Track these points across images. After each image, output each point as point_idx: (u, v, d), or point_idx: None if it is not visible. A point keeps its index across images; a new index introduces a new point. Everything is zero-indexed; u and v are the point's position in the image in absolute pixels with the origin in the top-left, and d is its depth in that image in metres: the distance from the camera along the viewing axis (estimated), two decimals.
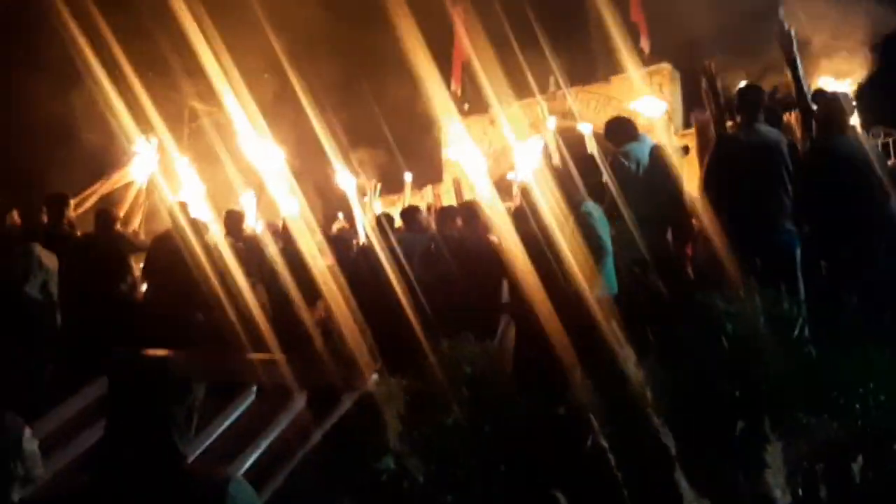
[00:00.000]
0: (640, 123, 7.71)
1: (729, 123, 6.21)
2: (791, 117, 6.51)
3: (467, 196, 10.24)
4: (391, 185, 13.07)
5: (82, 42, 10.08)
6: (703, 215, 5.87)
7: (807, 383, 4.10)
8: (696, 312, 4.75)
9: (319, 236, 7.70)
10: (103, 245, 7.75)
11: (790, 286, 4.99)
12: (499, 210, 6.67)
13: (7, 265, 6.89)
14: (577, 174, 6.00)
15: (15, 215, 7.70)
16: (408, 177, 12.08)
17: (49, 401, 6.02)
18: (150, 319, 6.98)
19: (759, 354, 4.34)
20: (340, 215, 10.60)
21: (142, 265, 7.79)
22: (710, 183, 5.84)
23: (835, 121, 5.76)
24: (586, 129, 9.18)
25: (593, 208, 5.68)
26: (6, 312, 6.68)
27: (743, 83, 7.02)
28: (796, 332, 4.65)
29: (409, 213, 8.04)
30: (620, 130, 6.76)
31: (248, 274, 6.98)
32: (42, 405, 6.06)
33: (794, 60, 6.09)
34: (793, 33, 6.83)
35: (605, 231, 5.61)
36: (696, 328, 4.65)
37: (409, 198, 12.09)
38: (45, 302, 6.90)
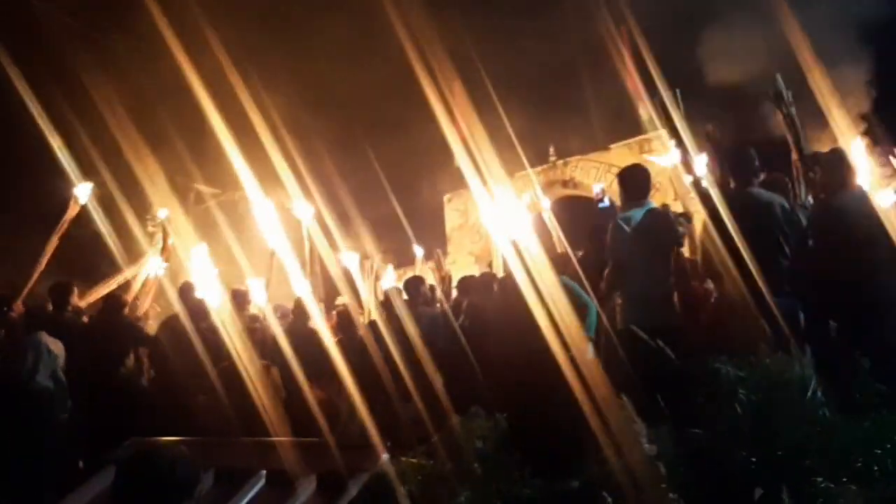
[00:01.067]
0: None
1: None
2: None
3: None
4: (402, 259, 13.13)
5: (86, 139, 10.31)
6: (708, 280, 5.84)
7: (824, 449, 4.04)
8: (708, 379, 4.70)
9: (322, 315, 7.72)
10: (107, 331, 7.81)
11: (797, 349, 4.94)
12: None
13: (15, 357, 6.93)
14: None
15: (19, 304, 7.75)
16: (419, 251, 12.14)
17: (58, 490, 6.00)
18: (152, 404, 6.97)
19: (773, 420, 4.29)
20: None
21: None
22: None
23: (836, 177, 5.76)
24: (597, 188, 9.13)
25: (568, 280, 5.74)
26: (16, 404, 6.71)
27: (733, 146, 7.06)
28: (809, 395, 4.59)
29: (413, 284, 8.04)
30: (634, 183, 6.29)
31: (262, 355, 6.99)
32: (51, 496, 6.04)
33: (793, 122, 6.15)
34: (787, 96, 6.93)
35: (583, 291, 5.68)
36: (708, 395, 4.60)
37: (418, 271, 12.13)
38: (56, 390, 6.94)
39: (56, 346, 7.09)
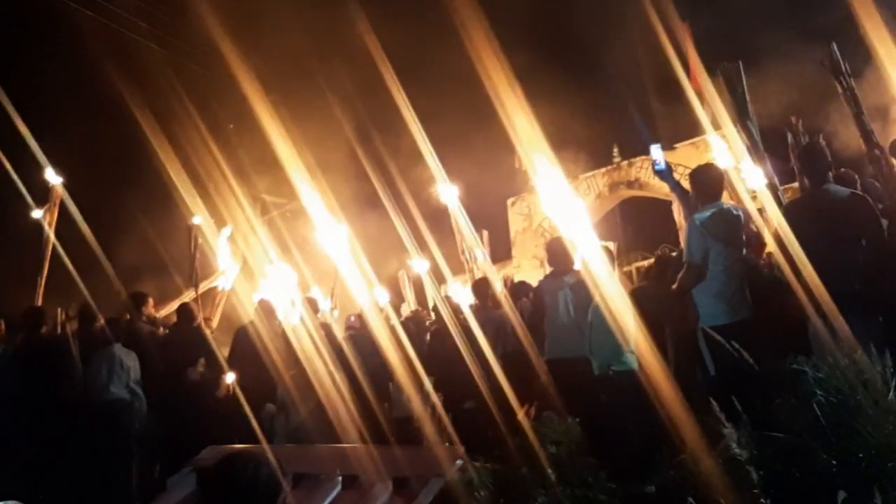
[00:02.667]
0: None
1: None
2: None
3: None
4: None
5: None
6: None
7: None
8: (787, 381, 4.61)
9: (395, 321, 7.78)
10: (181, 341, 8.01)
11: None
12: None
13: (91, 369, 7.15)
14: None
15: (101, 319, 7.98)
16: (480, 255, 12.14)
17: (139, 499, 6.16)
18: (224, 413, 7.09)
19: (854, 422, 4.18)
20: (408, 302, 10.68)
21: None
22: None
23: None
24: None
25: None
26: (94, 416, 6.91)
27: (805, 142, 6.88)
28: (891, 396, 4.47)
29: (481, 287, 8.02)
30: (706, 182, 6.11)
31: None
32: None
33: (854, 96, 5.93)
34: (845, 67, 6.69)
35: None
36: (788, 397, 4.51)
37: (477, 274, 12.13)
38: (133, 400, 7.12)
39: (129, 358, 7.28)
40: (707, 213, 5.90)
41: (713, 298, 5.75)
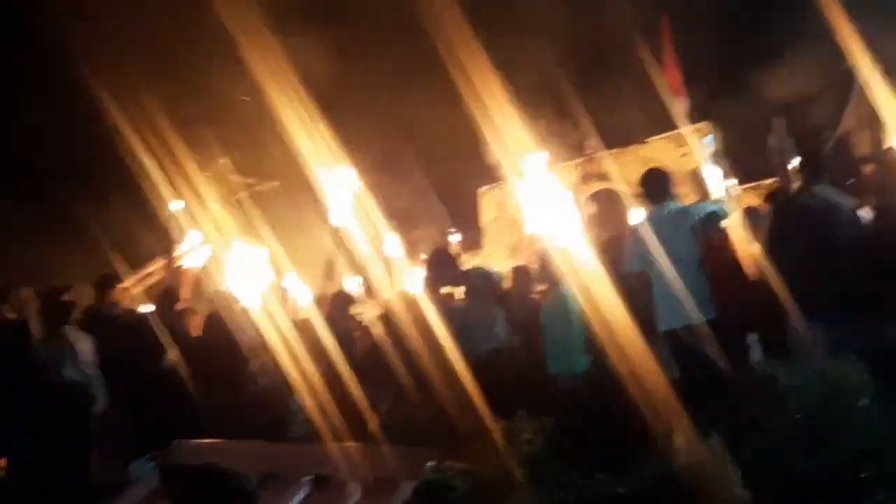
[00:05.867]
0: None
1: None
2: None
3: None
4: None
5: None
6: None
7: (882, 461, 3.91)
8: (760, 386, 4.60)
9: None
10: (148, 323, 7.85)
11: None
12: None
13: (44, 351, 7.01)
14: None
15: (65, 299, 7.81)
16: (454, 238, 12.09)
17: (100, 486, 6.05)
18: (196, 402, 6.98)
19: (828, 429, 4.18)
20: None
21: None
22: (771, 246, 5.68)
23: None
24: None
25: None
26: (46, 398, 6.76)
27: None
28: (865, 404, 4.47)
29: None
30: (653, 185, 6.33)
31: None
32: (87, 496, 6.09)
33: None
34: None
35: None
36: (761, 402, 4.50)
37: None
38: (85, 383, 6.98)
39: (83, 341, 7.15)
40: (654, 215, 5.95)
41: (669, 299, 5.75)
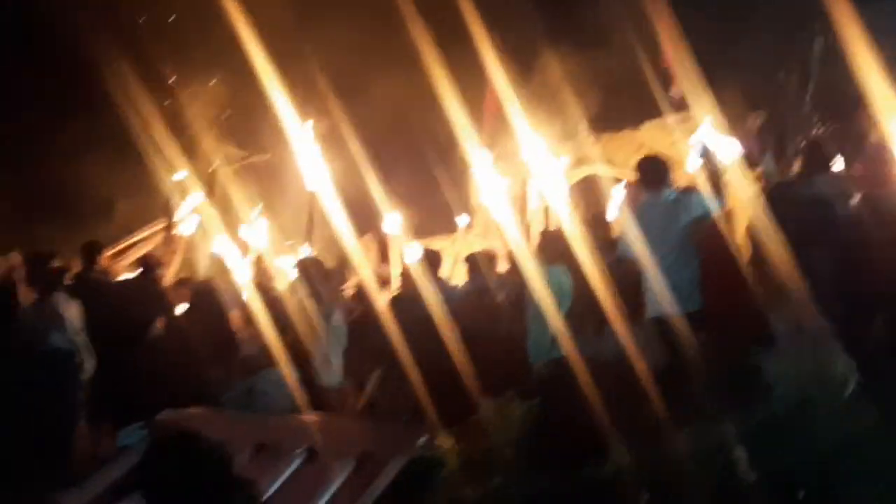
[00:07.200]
0: None
1: None
2: None
3: None
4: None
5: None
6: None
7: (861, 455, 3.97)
8: (746, 373, 4.68)
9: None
10: (139, 295, 7.81)
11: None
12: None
13: (30, 317, 6.96)
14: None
15: (51, 264, 7.74)
16: (463, 220, 12.09)
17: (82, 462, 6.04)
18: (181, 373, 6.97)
19: (811, 419, 4.26)
20: None
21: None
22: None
23: None
24: None
25: None
26: (31, 366, 6.73)
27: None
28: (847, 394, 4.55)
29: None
30: (648, 172, 6.27)
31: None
32: (74, 465, 6.08)
33: None
34: None
35: None
36: (746, 390, 4.57)
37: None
38: (72, 349, 6.94)
39: (70, 309, 7.09)
40: (649, 201, 5.98)
41: (663, 288, 5.79)
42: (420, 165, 13.71)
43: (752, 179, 8.15)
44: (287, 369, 5.62)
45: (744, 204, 7.28)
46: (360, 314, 7.00)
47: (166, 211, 9.36)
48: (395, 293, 7.53)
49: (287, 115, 8.88)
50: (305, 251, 9.27)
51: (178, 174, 10.08)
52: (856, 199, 5.68)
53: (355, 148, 10.23)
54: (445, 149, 12.36)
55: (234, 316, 7.42)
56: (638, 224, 5.83)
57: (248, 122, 13.66)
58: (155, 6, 13.44)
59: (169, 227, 9.20)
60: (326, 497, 3.70)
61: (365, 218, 9.57)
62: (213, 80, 13.69)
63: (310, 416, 4.59)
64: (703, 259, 5.89)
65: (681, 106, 14.01)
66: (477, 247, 9.89)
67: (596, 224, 7.01)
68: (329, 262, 8.47)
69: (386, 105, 12.87)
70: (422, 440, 3.96)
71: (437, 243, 11.98)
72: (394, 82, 12.58)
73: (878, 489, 3.73)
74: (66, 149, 11.85)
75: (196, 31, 12.64)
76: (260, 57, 9.02)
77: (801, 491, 3.58)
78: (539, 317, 5.76)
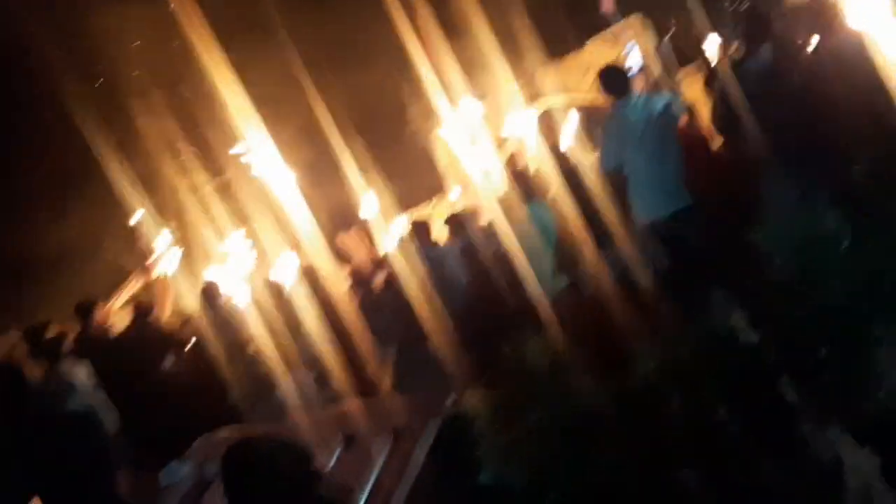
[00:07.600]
0: None
1: None
2: None
3: None
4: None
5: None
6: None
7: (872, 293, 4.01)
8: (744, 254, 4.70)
9: None
10: (136, 340, 7.83)
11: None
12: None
13: (43, 391, 6.96)
14: None
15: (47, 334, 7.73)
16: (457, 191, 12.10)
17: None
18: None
19: (816, 276, 4.29)
20: None
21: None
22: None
23: None
24: None
25: None
26: (55, 434, 6.72)
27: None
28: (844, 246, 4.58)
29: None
30: (612, 82, 6.20)
31: None
32: None
33: None
34: None
35: None
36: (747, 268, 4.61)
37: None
38: (87, 413, 6.94)
39: (79, 373, 7.10)
40: (619, 109, 5.97)
41: (648, 191, 5.81)
42: (399, 137, 13.66)
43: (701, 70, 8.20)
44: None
45: (700, 96, 7.34)
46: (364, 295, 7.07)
47: (140, 254, 9.32)
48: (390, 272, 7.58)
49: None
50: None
51: (137, 214, 10.02)
52: (811, 46, 5.69)
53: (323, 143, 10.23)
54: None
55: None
56: (617, 131, 5.84)
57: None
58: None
59: (147, 269, 9.14)
60: (372, 479, 3.75)
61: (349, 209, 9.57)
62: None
63: (336, 406, 4.64)
64: (688, 154, 5.94)
65: (614, 17, 14.01)
66: (458, 207, 9.87)
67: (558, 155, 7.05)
68: (329, 262, 8.50)
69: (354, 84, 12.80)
70: (449, 400, 4.01)
71: (420, 212, 12.05)
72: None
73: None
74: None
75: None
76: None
77: (823, 349, 3.62)
78: (535, 254, 5.80)
